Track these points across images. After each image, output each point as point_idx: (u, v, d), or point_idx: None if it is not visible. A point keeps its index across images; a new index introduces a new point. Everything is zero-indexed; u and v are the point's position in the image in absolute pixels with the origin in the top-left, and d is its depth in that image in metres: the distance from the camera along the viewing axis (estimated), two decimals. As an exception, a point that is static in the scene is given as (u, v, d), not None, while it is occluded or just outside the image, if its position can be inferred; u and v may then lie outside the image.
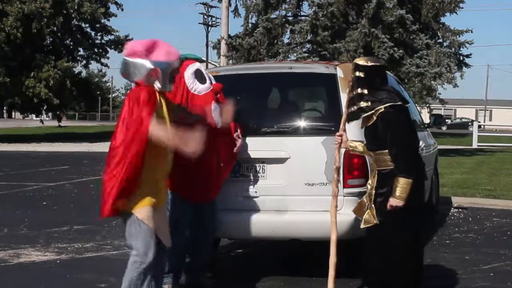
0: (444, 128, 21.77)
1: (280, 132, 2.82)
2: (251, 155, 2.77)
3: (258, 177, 2.77)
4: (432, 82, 9.69)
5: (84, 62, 16.36)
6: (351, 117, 2.29)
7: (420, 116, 4.62)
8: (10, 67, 14.21)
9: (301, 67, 3.16)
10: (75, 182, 6.52)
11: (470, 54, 10.99)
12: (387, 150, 2.19)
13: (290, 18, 10.32)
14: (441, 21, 10.42)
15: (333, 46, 9.38)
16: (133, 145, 2.00)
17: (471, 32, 10.63)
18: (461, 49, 10.61)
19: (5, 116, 33.40)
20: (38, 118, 20.81)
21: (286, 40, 10.15)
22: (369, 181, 2.31)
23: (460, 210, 4.88)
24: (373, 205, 2.21)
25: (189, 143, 1.99)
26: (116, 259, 3.20)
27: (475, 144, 13.32)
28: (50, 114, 18.26)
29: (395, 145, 2.15)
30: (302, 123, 2.87)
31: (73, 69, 15.43)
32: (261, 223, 2.72)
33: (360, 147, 2.36)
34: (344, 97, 2.74)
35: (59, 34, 15.36)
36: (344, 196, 2.64)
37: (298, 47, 9.83)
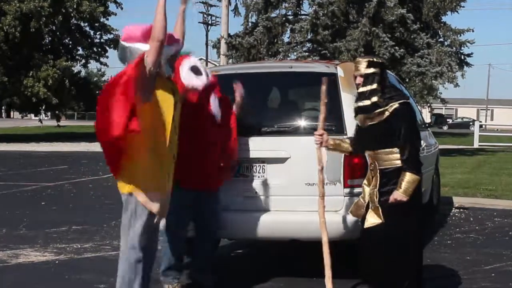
0: (445, 127, 21.78)
1: (280, 131, 2.81)
2: (251, 155, 2.76)
3: (258, 177, 2.75)
4: (433, 81, 9.65)
5: (83, 61, 16.36)
6: (361, 111, 2.28)
7: (421, 116, 4.60)
8: (9, 67, 14.21)
9: (302, 67, 3.16)
10: (74, 182, 6.51)
11: (471, 53, 10.97)
12: (391, 149, 2.18)
13: (290, 17, 10.28)
14: (442, 20, 10.39)
15: (334, 45, 9.35)
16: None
17: (472, 31, 10.58)
18: (462, 48, 10.59)
19: (3, 115, 33.48)
20: (36, 118, 20.78)
21: (286, 39, 10.13)
22: (365, 181, 2.30)
23: (461, 210, 4.87)
24: (377, 205, 2.19)
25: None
26: (115, 259, 3.12)
27: (476, 144, 13.32)
28: (49, 113, 18.21)
29: (407, 142, 2.16)
30: (302, 122, 2.86)
31: (72, 68, 15.43)
32: (261, 223, 2.71)
33: (343, 144, 2.35)
34: (345, 97, 2.73)
35: (58, 33, 15.36)
36: (344, 196, 2.63)
37: (299, 46, 9.79)
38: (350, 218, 2.55)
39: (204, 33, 27.92)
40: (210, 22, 27.46)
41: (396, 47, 9.19)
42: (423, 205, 3.25)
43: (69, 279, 2.86)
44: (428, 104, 11.13)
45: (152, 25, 2.05)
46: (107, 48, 16.10)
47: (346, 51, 9.15)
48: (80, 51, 16.11)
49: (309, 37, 9.76)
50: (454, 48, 10.30)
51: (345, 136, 2.52)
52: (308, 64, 3.35)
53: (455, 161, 8.87)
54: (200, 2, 27.10)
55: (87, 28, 15.98)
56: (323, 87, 2.34)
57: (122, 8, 16.43)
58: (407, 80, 9.41)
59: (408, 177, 2.13)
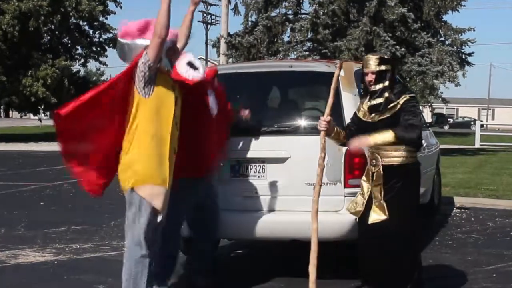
0: (446, 127, 21.78)
1: (280, 131, 2.80)
2: (251, 154, 2.75)
3: (258, 177, 2.74)
4: (434, 80, 9.61)
5: (82, 60, 16.26)
6: (374, 109, 2.27)
7: (422, 115, 4.57)
8: (7, 66, 14.14)
9: (302, 66, 3.15)
10: (73, 182, 6.36)
11: (473, 53, 10.91)
12: (397, 146, 2.18)
13: (290, 16, 10.25)
14: (443, 19, 10.36)
15: (334, 44, 9.32)
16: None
17: (474, 30, 10.52)
18: (464, 47, 10.54)
19: (2, 115, 33.41)
20: (35, 117, 20.76)
21: (286, 39, 10.11)
22: (364, 177, 2.28)
23: (462, 210, 4.85)
24: (382, 202, 2.18)
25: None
26: (114, 259, 3.17)
27: (477, 144, 13.28)
28: (47, 113, 18.14)
29: (411, 120, 2.18)
30: (302, 122, 2.84)
31: (71, 67, 15.38)
32: (261, 224, 2.70)
33: (341, 134, 2.34)
34: (345, 96, 2.72)
35: (56, 33, 15.28)
36: (345, 196, 2.62)
37: (299, 46, 9.77)
38: (351, 218, 2.54)
39: (203, 32, 27.82)
40: (209, 21, 27.35)
41: (397, 46, 9.16)
42: (423, 204, 3.24)
43: (68, 279, 2.85)
44: (429, 104, 11.08)
45: (148, 20, 2.06)
46: (106, 47, 16.06)
47: (347, 50, 9.12)
48: (79, 50, 16.09)
49: (309, 36, 9.73)
50: (455, 47, 10.26)
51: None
52: (308, 64, 3.34)
53: (456, 161, 8.85)
54: (200, 0, 26.80)
55: (86, 27, 15.96)
56: (337, 72, 2.33)
57: (121, 7, 16.34)
58: (407, 79, 9.39)
59: (388, 135, 2.15)
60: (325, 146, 2.30)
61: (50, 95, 14.12)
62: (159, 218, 2.07)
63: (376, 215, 2.19)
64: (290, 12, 10.33)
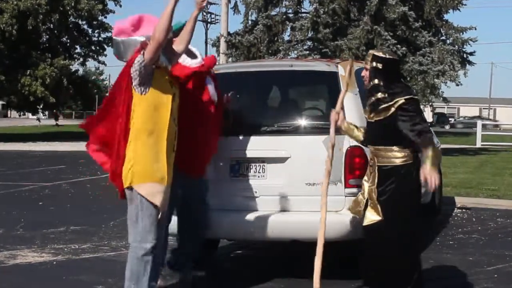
0: (447, 127, 21.74)
1: (280, 131, 2.78)
2: (251, 154, 2.73)
3: (258, 176, 2.72)
4: (435, 80, 9.57)
5: (81, 59, 16.19)
6: (371, 108, 2.25)
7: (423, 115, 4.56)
8: (6, 65, 14.10)
9: (302, 65, 3.12)
10: (72, 182, 6.47)
11: (474, 52, 10.81)
12: (391, 147, 2.16)
13: (290, 15, 10.22)
14: (444, 18, 10.31)
15: (335, 43, 9.28)
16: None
17: (475, 29, 10.44)
18: (465, 46, 10.47)
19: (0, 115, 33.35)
20: (34, 117, 20.78)
21: (286, 38, 10.08)
22: (365, 177, 2.27)
23: (463, 210, 4.83)
24: (376, 203, 2.17)
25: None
26: (113, 260, 3.16)
27: (478, 144, 13.27)
28: (46, 112, 18.11)
29: (417, 126, 2.13)
30: (302, 122, 2.83)
31: (70, 67, 15.26)
32: (261, 224, 2.68)
33: (355, 131, 2.33)
34: (346, 96, 2.68)
35: (55, 32, 15.22)
36: (345, 196, 2.60)
37: (299, 45, 9.75)
38: (351, 218, 2.52)
39: (203, 32, 27.79)
40: (209, 20, 27.32)
41: (398, 46, 9.12)
42: (424, 205, 3.23)
43: (67, 280, 2.84)
44: (430, 103, 11.04)
45: (140, 16, 2.06)
46: (105, 46, 16.01)
47: (347, 49, 9.08)
48: (78, 50, 16.01)
49: (309, 35, 9.70)
50: (456, 46, 10.20)
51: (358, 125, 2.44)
52: (308, 63, 3.31)
53: (457, 161, 8.83)
54: (204, 6, 26.68)
55: (85, 26, 15.91)
56: (348, 67, 2.31)
57: (120, 6, 16.24)
58: (408, 78, 9.35)
59: (429, 152, 2.09)
60: (332, 157, 2.28)
61: (49, 95, 14.10)
62: (160, 215, 2.07)
63: (371, 216, 2.18)
64: (290, 11, 10.31)
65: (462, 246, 3.56)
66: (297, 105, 3.12)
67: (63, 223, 4.14)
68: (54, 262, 3.14)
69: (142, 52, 1.98)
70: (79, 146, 12.44)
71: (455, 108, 38.31)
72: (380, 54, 2.23)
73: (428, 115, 8.13)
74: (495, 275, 2.90)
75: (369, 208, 2.20)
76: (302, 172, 2.66)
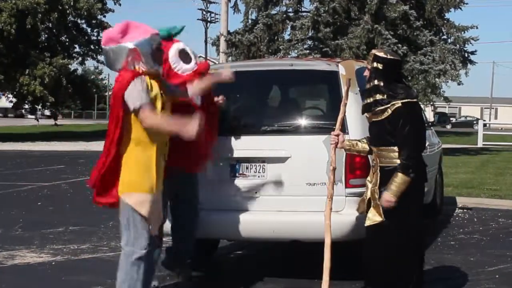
0: (448, 126, 21.69)
1: (280, 130, 2.77)
2: (251, 154, 2.72)
3: (258, 176, 2.71)
4: (436, 79, 9.54)
5: (80, 59, 16.14)
6: (365, 109, 2.24)
7: (424, 115, 4.55)
8: (4, 64, 14.05)
9: (302, 64, 3.10)
10: (70, 182, 6.45)
11: (475, 51, 10.80)
12: (392, 147, 2.15)
13: (291, 14, 10.20)
14: (445, 17, 10.29)
15: (335, 42, 9.26)
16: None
17: (476, 28, 10.41)
18: (466, 45, 10.45)
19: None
20: (32, 116, 20.76)
21: (286, 37, 10.06)
22: (368, 178, 2.27)
23: (465, 210, 4.81)
24: (378, 203, 2.16)
25: (187, 127, 1.95)
26: (112, 260, 3.13)
27: (480, 143, 13.20)
28: (45, 111, 18.04)
29: (406, 143, 2.12)
30: (303, 121, 2.81)
31: (69, 66, 15.18)
32: (261, 224, 2.67)
33: (360, 145, 2.31)
34: (343, 95, 2.67)
35: (54, 31, 15.16)
36: (346, 196, 2.59)
37: (299, 44, 9.71)
38: (352, 219, 2.51)
39: (203, 31, 27.70)
40: (209, 19, 27.23)
41: (399, 45, 9.09)
42: (425, 205, 3.20)
43: (66, 280, 2.83)
44: (431, 103, 11.00)
45: (127, 22, 2.06)
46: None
47: (348, 48, 9.06)
48: (77, 49, 15.96)
49: (310, 34, 9.67)
50: (457, 45, 10.17)
51: (349, 135, 2.47)
52: (309, 62, 3.30)
53: (458, 161, 8.79)
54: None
55: (84, 25, 15.82)
56: (345, 88, 2.31)
57: (120, 4, 16.16)
58: (409, 78, 9.32)
59: (398, 178, 2.10)
60: (335, 159, 2.27)
61: (48, 94, 14.06)
62: (154, 230, 2.09)
63: (373, 217, 2.17)
64: (290, 10, 10.29)
65: (463, 247, 3.55)
66: (297, 104, 3.11)
67: (62, 223, 4.13)
68: (53, 263, 3.13)
69: (140, 108, 1.97)
70: (78, 146, 12.51)
71: (457, 107, 38.26)
72: (381, 54, 2.21)
73: (429, 115, 8.10)
74: (496, 276, 2.89)
75: (371, 208, 2.19)
76: (302, 172, 2.64)
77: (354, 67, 2.88)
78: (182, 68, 2.40)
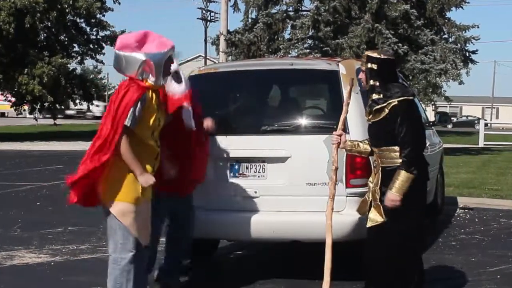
0: (449, 126, 21.65)
1: (280, 130, 2.75)
2: (251, 154, 2.71)
3: (258, 176, 2.70)
4: (437, 79, 9.52)
5: (79, 58, 16.02)
6: (369, 110, 2.22)
7: (425, 114, 4.53)
8: (3, 64, 13.96)
9: (303, 64, 3.08)
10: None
11: (477, 50, 10.77)
12: (393, 147, 2.14)
13: (291, 13, 10.18)
14: (446, 16, 10.25)
15: (336, 42, 9.24)
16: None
17: (478, 27, 10.38)
18: (467, 45, 10.42)
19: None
20: (31, 116, 20.75)
21: (287, 36, 10.04)
22: (370, 178, 2.26)
23: (466, 210, 4.79)
24: (379, 203, 2.15)
25: (143, 177, 2.00)
26: (111, 261, 3.13)
27: (481, 143, 13.18)
28: (44, 111, 17.99)
29: (406, 141, 2.11)
30: (303, 121, 2.80)
31: (68, 65, 15.05)
32: (261, 224, 2.66)
33: (361, 145, 2.30)
34: (345, 94, 2.65)
35: (53, 30, 15.05)
36: (346, 196, 2.57)
37: (300, 43, 9.70)
38: (352, 219, 2.50)
39: (202, 30, 27.67)
40: (209, 18, 27.10)
41: (400, 44, 9.07)
42: (427, 205, 3.18)
43: (65, 281, 2.82)
44: (432, 102, 10.98)
45: (146, 32, 2.07)
46: (104, 44, 15.80)
47: (349, 48, 9.04)
48: (76, 48, 15.81)
49: (310, 33, 9.66)
50: (458, 44, 10.15)
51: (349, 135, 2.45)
52: (309, 61, 3.28)
53: (459, 160, 8.77)
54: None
55: (83, 25, 15.69)
56: (348, 88, 2.29)
57: (119, 3, 16.02)
58: (410, 77, 9.30)
59: (401, 176, 2.09)
60: (337, 159, 2.26)
61: (47, 94, 13.97)
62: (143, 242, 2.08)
63: (374, 216, 2.17)
64: (290, 9, 10.27)
65: (465, 247, 3.53)
66: (297, 104, 3.09)
67: (61, 223, 4.11)
68: (52, 263, 3.12)
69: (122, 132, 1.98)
70: (78, 146, 12.44)
71: (458, 107, 38.20)
72: (375, 55, 2.21)
73: (430, 114, 8.08)
74: (498, 276, 2.88)
75: (372, 209, 2.19)
76: (302, 172, 2.63)
77: (354, 66, 2.86)
78: (173, 90, 2.39)
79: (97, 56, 16.07)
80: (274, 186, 2.67)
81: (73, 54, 15.84)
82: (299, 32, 9.56)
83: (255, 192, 2.68)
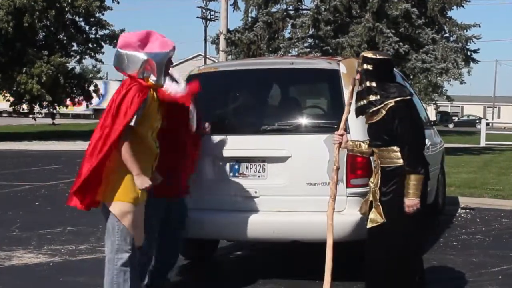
0: (451, 125, 21.61)
1: (281, 130, 2.74)
2: (251, 153, 2.69)
3: (258, 176, 2.68)
4: (438, 78, 9.51)
5: (78, 57, 15.98)
6: (359, 112, 2.22)
7: (426, 114, 4.50)
8: (1, 63, 13.91)
9: (303, 63, 3.07)
10: (68, 182, 6.31)
11: (478, 49, 10.74)
12: (392, 147, 2.13)
13: (291, 12, 10.18)
14: (447, 15, 10.25)
15: (336, 41, 9.23)
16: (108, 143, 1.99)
17: (479, 26, 10.38)
18: (469, 44, 10.41)
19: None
20: (30, 116, 20.75)
21: (287, 35, 10.07)
22: (371, 179, 2.25)
23: (467, 210, 4.77)
24: (379, 204, 2.14)
25: (140, 179, 2.01)
26: (111, 261, 3.11)
27: (483, 143, 13.15)
28: (43, 111, 17.94)
29: (405, 141, 2.10)
30: (303, 120, 2.79)
31: (67, 64, 14.97)
32: (261, 224, 2.65)
33: (363, 146, 2.29)
34: (347, 94, 2.63)
35: (52, 29, 14.99)
36: (347, 196, 2.56)
37: (300, 42, 9.69)
38: (353, 219, 2.49)
39: (202, 29, 27.58)
40: (208, 17, 26.99)
41: (400, 43, 9.06)
42: (428, 205, 3.17)
43: (64, 281, 2.81)
44: (433, 102, 10.96)
45: (149, 31, 2.07)
46: (103, 44, 15.75)
47: (349, 47, 9.02)
48: (75, 47, 15.75)
49: (310, 32, 9.65)
50: (460, 43, 10.13)
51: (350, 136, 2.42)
52: (309, 61, 3.26)
53: (461, 160, 8.74)
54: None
55: (82, 24, 15.63)
56: (350, 87, 2.27)
57: (118, 2, 15.99)
58: (411, 76, 9.28)
59: (411, 180, 2.09)
60: (338, 159, 2.25)
61: (45, 93, 13.92)
62: (137, 244, 2.08)
63: (374, 217, 2.16)
64: (291, 7, 10.26)
65: (466, 247, 3.52)
66: (298, 103, 3.07)
67: (59, 223, 4.09)
68: (51, 264, 3.11)
69: (124, 129, 1.97)
70: (76, 146, 12.43)
71: (459, 106, 38.14)
72: (370, 55, 2.19)
73: (432, 114, 8.01)
74: (499, 277, 2.86)
75: (372, 209, 2.18)
76: (303, 172, 2.62)
77: (355, 65, 2.83)
78: (174, 90, 2.38)
79: (96, 55, 16.01)
80: (274, 186, 2.66)
81: (72, 53, 15.80)
82: (299, 31, 9.56)
83: (255, 192, 2.67)
